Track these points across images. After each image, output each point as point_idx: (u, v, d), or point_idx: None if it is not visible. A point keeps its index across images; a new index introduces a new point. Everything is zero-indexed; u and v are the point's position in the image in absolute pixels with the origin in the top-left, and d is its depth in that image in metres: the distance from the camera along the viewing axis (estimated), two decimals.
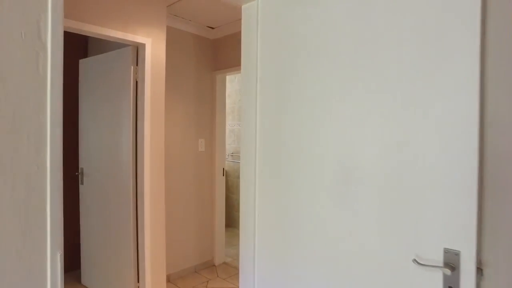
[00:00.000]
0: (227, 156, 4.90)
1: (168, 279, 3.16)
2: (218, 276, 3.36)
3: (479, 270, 0.93)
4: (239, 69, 3.43)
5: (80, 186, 2.94)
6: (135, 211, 2.56)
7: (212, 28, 3.42)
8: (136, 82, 2.55)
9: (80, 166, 2.93)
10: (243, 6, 1.60)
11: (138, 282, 2.59)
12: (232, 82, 4.85)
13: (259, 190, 1.46)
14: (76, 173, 2.92)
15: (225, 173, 3.84)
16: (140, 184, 2.52)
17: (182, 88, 3.25)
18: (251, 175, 1.51)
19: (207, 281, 3.21)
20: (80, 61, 2.96)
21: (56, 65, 1.00)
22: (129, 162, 2.52)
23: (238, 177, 4.81)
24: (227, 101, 4.86)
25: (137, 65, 2.56)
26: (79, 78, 2.98)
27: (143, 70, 2.51)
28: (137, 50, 2.57)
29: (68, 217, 3.35)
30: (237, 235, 4.57)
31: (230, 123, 4.80)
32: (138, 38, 2.48)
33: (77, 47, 3.27)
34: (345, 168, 1.13)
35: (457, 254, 0.94)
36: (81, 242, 3.01)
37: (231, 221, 4.87)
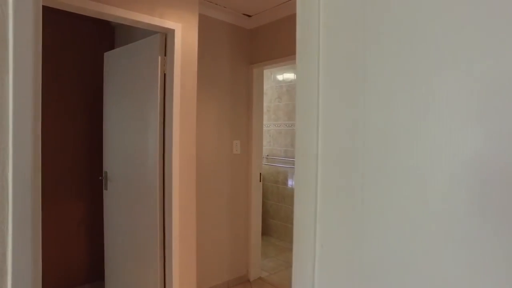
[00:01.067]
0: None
1: None
2: None
3: None
4: (279, 61, 3.00)
5: (104, 192, 2.62)
6: (162, 220, 2.19)
7: (249, 16, 3.00)
8: (165, 75, 2.17)
9: (104, 169, 2.60)
10: None
11: None
12: (267, 80, 4.42)
13: (321, 207, 1.03)
14: (100, 178, 2.60)
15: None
16: (168, 190, 2.14)
17: (215, 84, 2.86)
18: (310, 189, 1.07)
19: None
20: (105, 54, 2.64)
21: (23, 42, 0.60)
22: (155, 166, 2.15)
23: (274, 182, 4.36)
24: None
25: (165, 55, 2.18)
26: (104, 73, 2.65)
27: (172, 61, 2.13)
28: (166, 38, 2.19)
29: (92, 224, 3.19)
30: (272, 245, 4.12)
31: (265, 123, 4.36)
32: (167, 23, 2.10)
33: (103, 40, 2.96)
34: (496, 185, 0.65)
35: None
36: (105, 251, 2.69)
37: (266, 229, 4.43)
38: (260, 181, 3.19)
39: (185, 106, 2.14)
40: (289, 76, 4.19)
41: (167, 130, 2.13)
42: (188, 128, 2.15)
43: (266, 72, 4.33)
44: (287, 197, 4.21)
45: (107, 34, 3.00)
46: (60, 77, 2.75)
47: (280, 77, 4.30)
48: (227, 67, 2.94)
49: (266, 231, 4.46)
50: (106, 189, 2.59)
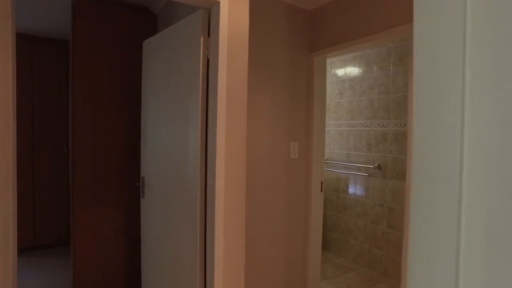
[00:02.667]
0: None
1: None
2: None
3: None
4: (345, 46, 2.39)
5: (141, 201, 2.23)
6: (203, 233, 1.71)
7: None
8: (208, 61, 1.69)
9: (141, 175, 2.21)
10: None
11: None
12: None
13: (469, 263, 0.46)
14: (137, 184, 2.21)
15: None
16: (210, 200, 1.66)
17: (269, 74, 2.34)
18: (446, 235, 0.51)
19: None
20: (144, 43, 2.25)
21: None
22: (196, 171, 1.68)
23: (334, 190, 3.73)
24: None
25: (208, 36, 1.70)
26: (142, 65, 2.27)
27: (216, 43, 1.64)
28: (210, 15, 1.71)
29: (131, 233, 2.60)
30: (331, 262, 3.50)
31: (345, 122, 3.72)
32: None
33: (144, 31, 2.58)
34: None
35: None
36: (141, 265, 2.30)
37: (323, 243, 3.81)
38: (321, 191, 2.60)
39: (233, 99, 1.64)
40: (352, 70, 3.54)
41: (210, 129, 1.65)
42: (236, 127, 1.65)
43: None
44: (349, 207, 3.56)
45: (149, 24, 2.62)
46: (97, 73, 2.41)
47: (341, 71, 3.66)
48: (283, 55, 2.40)
49: (323, 245, 3.84)
50: (143, 197, 2.19)
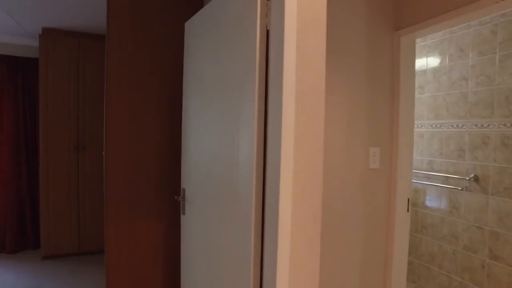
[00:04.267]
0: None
1: None
2: None
3: None
4: (447, 18, 1.73)
5: (182, 217, 1.78)
6: (258, 264, 1.19)
7: None
8: (268, 33, 1.17)
9: (182, 186, 1.76)
10: None
11: None
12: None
13: None
14: (176, 197, 1.75)
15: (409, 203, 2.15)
16: (270, 230, 1.14)
17: (341, 61, 1.76)
18: None
19: None
20: (186, 24, 1.79)
21: None
22: (249, 188, 1.17)
23: (412, 204, 3.01)
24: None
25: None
26: (184, 53, 1.81)
27: (280, 5, 1.11)
28: None
29: (171, 250, 2.09)
30: None
31: (427, 122, 2.98)
32: None
33: (187, 9, 2.14)
34: None
35: None
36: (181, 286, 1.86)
37: (409, 273, 3.10)
38: (408, 210, 1.96)
39: (305, 90, 1.09)
40: (438, 57, 2.81)
41: (271, 132, 1.12)
42: (309, 130, 1.09)
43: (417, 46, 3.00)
44: (431, 227, 2.83)
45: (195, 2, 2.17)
46: (135, 69, 2.01)
47: (421, 60, 2.94)
48: (360, 36, 1.81)
49: (409, 276, 3.13)
50: (183, 213, 1.74)
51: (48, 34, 3.18)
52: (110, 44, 1.95)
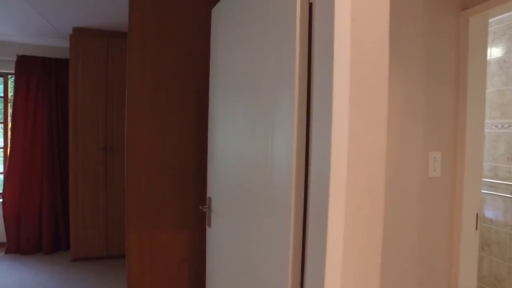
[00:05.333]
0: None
1: None
2: None
3: None
4: None
5: (207, 230, 1.56)
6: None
7: None
8: (311, 7, 0.91)
9: (208, 195, 1.54)
10: None
11: None
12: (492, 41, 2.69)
13: None
14: (201, 207, 1.53)
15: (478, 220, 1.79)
16: (314, 246, 0.88)
17: (396, 47, 1.46)
18: None
19: None
20: (213, 11, 1.58)
21: None
22: (287, 201, 0.93)
23: (489, 221, 2.61)
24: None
25: None
26: (211, 43, 1.60)
27: None
28: None
29: (193, 265, 1.84)
30: None
31: (490, 121, 2.57)
32: None
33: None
34: None
35: None
36: None
37: None
38: (476, 228, 1.61)
39: (362, 76, 0.82)
40: (505, 46, 2.39)
41: (315, 132, 0.86)
42: (368, 129, 0.81)
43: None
44: (496, 244, 2.41)
45: None
46: (158, 65, 1.84)
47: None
48: (418, 16, 1.49)
49: None
50: (209, 225, 1.52)
51: (78, 34, 3.13)
52: (132, 38, 1.79)
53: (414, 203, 1.50)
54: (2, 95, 3.93)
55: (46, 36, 3.50)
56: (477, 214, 1.60)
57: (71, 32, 3.16)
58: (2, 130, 3.89)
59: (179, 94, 1.86)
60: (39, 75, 3.45)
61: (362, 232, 0.80)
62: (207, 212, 1.50)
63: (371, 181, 0.81)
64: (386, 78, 0.82)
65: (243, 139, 1.21)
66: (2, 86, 3.92)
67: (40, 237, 3.45)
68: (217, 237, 1.48)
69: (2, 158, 3.92)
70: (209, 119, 1.57)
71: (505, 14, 2.21)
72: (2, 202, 3.45)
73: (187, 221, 1.86)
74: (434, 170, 1.52)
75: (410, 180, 1.50)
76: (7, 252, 3.46)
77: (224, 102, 1.42)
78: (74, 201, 3.14)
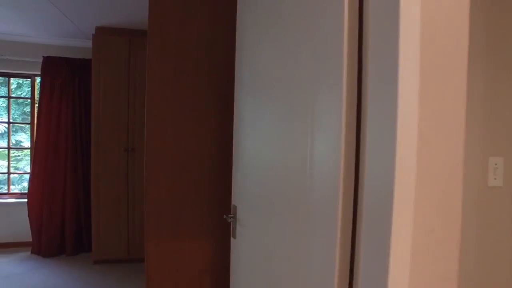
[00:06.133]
0: None
1: None
2: None
3: None
4: None
5: (232, 241, 1.41)
6: None
7: None
8: None
9: (232, 202, 1.39)
10: None
11: None
12: None
13: None
14: (225, 216, 1.39)
15: None
16: (370, 270, 0.71)
17: None
18: None
19: None
20: (238, 0, 1.43)
21: None
22: (332, 212, 0.76)
23: None
24: None
25: None
26: (236, 37, 1.45)
27: None
28: None
29: (217, 277, 1.68)
30: None
31: None
32: None
33: None
34: None
35: None
36: None
37: None
38: None
39: (435, 67, 0.64)
40: None
41: (371, 136, 0.69)
42: (442, 133, 0.63)
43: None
44: None
45: None
46: (179, 62, 1.71)
47: None
48: (477, 2, 1.28)
49: None
50: (234, 237, 1.37)
51: (100, 33, 3.09)
52: (151, 36, 1.67)
53: (471, 217, 1.29)
54: (29, 96, 3.98)
55: (70, 37, 3.49)
56: None
57: (93, 32, 3.13)
58: (29, 131, 3.93)
59: (202, 93, 1.73)
60: (63, 75, 3.44)
61: (434, 262, 0.62)
62: (231, 223, 1.35)
63: (446, 196, 0.63)
64: (465, 65, 0.64)
65: (274, 142, 1.05)
66: (29, 87, 3.97)
67: (63, 239, 3.43)
68: (243, 249, 1.33)
69: (29, 159, 3.96)
70: (234, 121, 1.42)
71: None
72: (27, 202, 3.46)
73: (209, 230, 1.72)
74: (495, 179, 1.30)
75: (466, 190, 1.28)
76: (32, 252, 3.47)
77: (252, 102, 1.27)
78: (95, 203, 3.09)
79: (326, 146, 0.78)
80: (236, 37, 1.45)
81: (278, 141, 1.04)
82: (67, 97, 3.44)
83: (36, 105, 3.72)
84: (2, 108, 4.08)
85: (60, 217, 3.42)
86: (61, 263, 3.29)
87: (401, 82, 0.60)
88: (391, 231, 0.60)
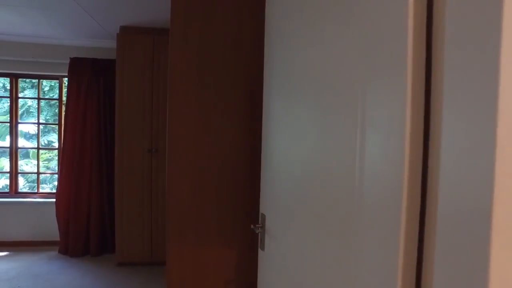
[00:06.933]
0: None
1: None
2: None
3: None
4: None
5: (260, 253, 1.28)
6: None
7: None
8: None
9: (260, 210, 1.26)
10: None
11: None
12: None
13: None
14: (252, 226, 1.25)
15: None
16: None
17: None
18: None
19: None
20: None
21: None
22: (393, 224, 0.61)
23: None
24: None
25: None
26: (265, 32, 1.31)
27: None
28: None
29: (240, 286, 1.51)
30: None
31: None
32: None
33: None
34: None
35: None
36: None
37: None
38: None
39: None
40: None
41: (449, 133, 0.53)
42: None
43: None
44: None
45: None
46: (204, 59, 1.60)
47: None
48: None
49: None
50: (262, 249, 1.23)
51: (124, 33, 3.05)
52: (174, 33, 1.57)
53: None
54: (57, 97, 4.04)
55: (95, 37, 3.49)
56: None
57: (118, 32, 3.10)
58: (57, 132, 3.99)
59: (227, 94, 1.60)
60: (89, 76, 3.45)
61: None
62: (260, 233, 1.21)
63: None
64: None
65: (313, 144, 0.90)
66: (54, 87, 4.03)
67: (88, 239, 3.43)
68: (273, 263, 1.19)
69: (57, 160, 4.01)
70: (263, 122, 1.28)
71: None
72: (56, 202, 3.49)
73: (235, 238, 1.60)
74: None
75: None
76: (59, 251, 3.50)
77: (284, 101, 1.13)
78: (119, 204, 3.06)
79: (381, 147, 0.63)
80: (265, 33, 1.31)
81: (315, 141, 0.89)
82: (92, 98, 3.44)
83: (64, 106, 3.77)
84: (36, 110, 4.17)
85: (86, 218, 3.43)
86: (86, 264, 3.29)
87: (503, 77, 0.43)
88: (489, 256, 0.44)
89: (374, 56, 0.65)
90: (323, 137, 0.84)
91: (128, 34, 3.03)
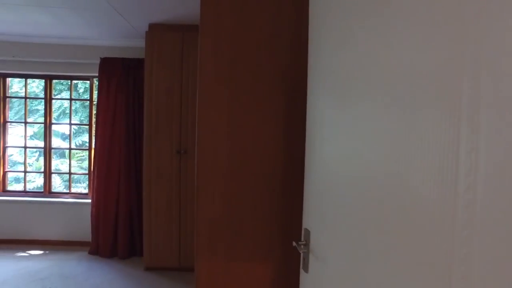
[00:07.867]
0: None
1: None
2: None
3: None
4: None
5: (303, 275, 1.11)
6: None
7: None
8: None
9: (303, 225, 1.09)
10: None
11: None
12: None
13: None
14: (294, 244, 1.08)
15: None
16: None
17: None
18: None
19: None
20: None
21: None
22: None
23: None
24: None
25: None
26: (309, 28, 1.14)
27: None
28: None
29: None
30: None
31: None
32: None
33: None
34: None
35: None
36: None
37: None
38: None
39: None
40: None
41: None
42: None
43: None
44: None
45: None
46: (237, 48, 1.45)
47: None
48: None
49: None
50: (306, 271, 1.07)
51: (153, 30, 2.99)
52: (203, 27, 1.44)
53: None
54: (88, 97, 4.08)
55: (125, 37, 3.47)
56: None
57: (147, 29, 3.04)
58: (88, 133, 4.03)
59: (263, 94, 1.44)
60: (118, 76, 3.43)
61: None
62: (302, 252, 1.05)
63: None
64: None
65: (376, 148, 0.73)
66: (88, 89, 4.07)
67: (116, 241, 3.41)
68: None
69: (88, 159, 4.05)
70: (307, 124, 1.11)
71: None
72: (91, 202, 3.51)
73: (270, 253, 1.43)
74: None
75: None
76: (89, 252, 3.52)
77: (334, 101, 0.95)
78: (147, 206, 3.00)
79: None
80: (309, 25, 1.15)
81: (374, 145, 0.72)
82: (122, 97, 3.42)
83: (94, 106, 3.79)
84: (70, 110, 4.24)
85: (114, 219, 3.41)
86: (114, 266, 3.27)
87: None
88: None
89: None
90: (395, 142, 0.67)
91: (157, 31, 2.97)
